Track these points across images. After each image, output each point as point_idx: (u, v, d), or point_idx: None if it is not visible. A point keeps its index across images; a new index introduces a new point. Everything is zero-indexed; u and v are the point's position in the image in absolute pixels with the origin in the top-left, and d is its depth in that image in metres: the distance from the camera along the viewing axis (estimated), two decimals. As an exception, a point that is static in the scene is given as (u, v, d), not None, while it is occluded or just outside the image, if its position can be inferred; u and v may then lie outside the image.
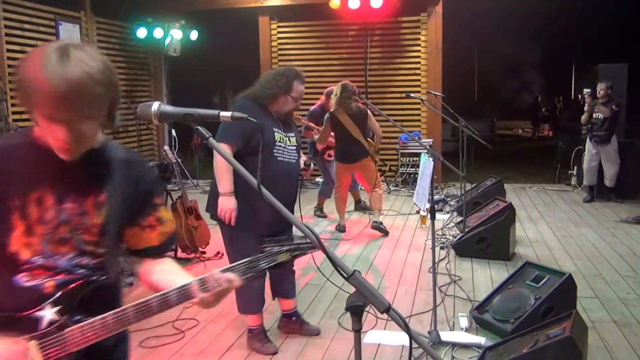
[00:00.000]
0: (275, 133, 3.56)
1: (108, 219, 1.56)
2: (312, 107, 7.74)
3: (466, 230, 6.11)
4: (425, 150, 4.02)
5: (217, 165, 3.48)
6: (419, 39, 10.05)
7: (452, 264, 5.55)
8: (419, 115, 10.15)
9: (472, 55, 22.89)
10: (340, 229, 6.99)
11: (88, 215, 1.54)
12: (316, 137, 7.05)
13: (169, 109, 1.36)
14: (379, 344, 3.84)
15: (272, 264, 1.61)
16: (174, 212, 6.07)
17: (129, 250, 1.71)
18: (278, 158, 3.54)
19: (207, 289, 1.54)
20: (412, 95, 5.87)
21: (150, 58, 11.06)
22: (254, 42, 10.61)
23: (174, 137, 10.80)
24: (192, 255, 5.94)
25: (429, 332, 3.84)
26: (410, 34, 10.13)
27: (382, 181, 8.54)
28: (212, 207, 3.65)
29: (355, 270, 1.34)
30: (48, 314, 1.50)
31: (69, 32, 8.64)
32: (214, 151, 3.45)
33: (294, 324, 4.05)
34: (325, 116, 6.55)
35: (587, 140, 8.49)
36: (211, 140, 1.36)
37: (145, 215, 1.66)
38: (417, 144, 9.59)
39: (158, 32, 10.20)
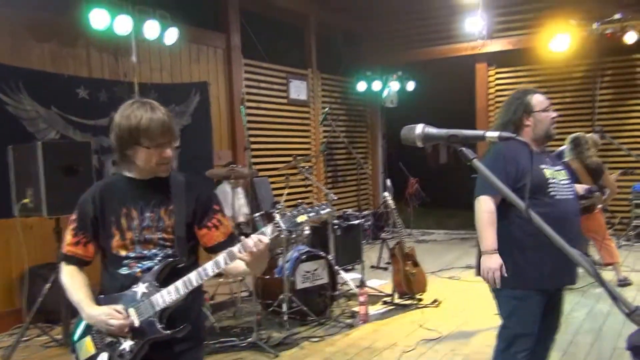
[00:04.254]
0: (545, 170, 3.06)
1: (177, 221, 2.18)
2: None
3: None
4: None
5: (479, 218, 3.05)
6: (658, 77, 9.09)
7: None
8: (659, 161, 9.05)
9: None
10: None
11: (163, 220, 2.18)
12: None
13: (434, 130, 1.33)
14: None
15: (292, 225, 2.06)
16: (392, 258, 6.12)
17: (206, 250, 2.28)
18: (556, 197, 3.02)
19: (245, 249, 2.04)
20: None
21: (368, 110, 11.50)
22: (470, 90, 10.49)
23: (389, 186, 10.98)
24: (409, 302, 5.88)
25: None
26: (648, 71, 9.21)
27: (611, 234, 7.80)
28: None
29: (638, 307, 1.16)
30: (140, 288, 2.13)
31: (297, 87, 9.38)
32: (476, 205, 3.06)
33: None
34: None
35: None
36: (475, 161, 1.30)
37: (209, 218, 2.25)
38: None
39: (376, 85, 10.59)
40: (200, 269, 2.12)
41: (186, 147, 7.11)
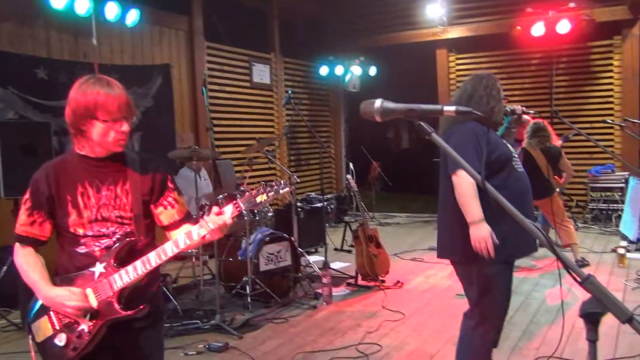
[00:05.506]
0: (507, 145, 3.12)
1: (134, 199, 2.16)
2: None
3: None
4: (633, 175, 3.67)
5: (461, 191, 2.91)
6: (612, 64, 9.36)
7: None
8: (612, 146, 9.35)
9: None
10: None
11: (119, 198, 2.16)
12: None
13: (392, 105, 1.36)
14: None
15: (252, 205, 2.09)
16: (355, 240, 6.18)
17: (162, 228, 2.27)
18: (519, 170, 3.06)
19: (205, 229, 2.08)
20: (609, 121, 5.49)
21: (331, 94, 11.54)
22: (431, 75, 10.62)
23: (352, 170, 11.07)
24: (372, 283, 5.97)
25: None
26: (602, 59, 9.47)
27: (569, 217, 8.05)
28: (450, 249, 3.11)
29: (590, 275, 1.23)
30: (98, 268, 2.11)
31: (260, 71, 9.34)
32: (455, 180, 2.94)
33: None
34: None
35: None
36: (434, 135, 1.35)
37: (164, 196, 2.24)
38: (610, 177, 8.92)
39: (339, 70, 10.62)
40: (159, 249, 2.11)
41: (148, 129, 7.08)
